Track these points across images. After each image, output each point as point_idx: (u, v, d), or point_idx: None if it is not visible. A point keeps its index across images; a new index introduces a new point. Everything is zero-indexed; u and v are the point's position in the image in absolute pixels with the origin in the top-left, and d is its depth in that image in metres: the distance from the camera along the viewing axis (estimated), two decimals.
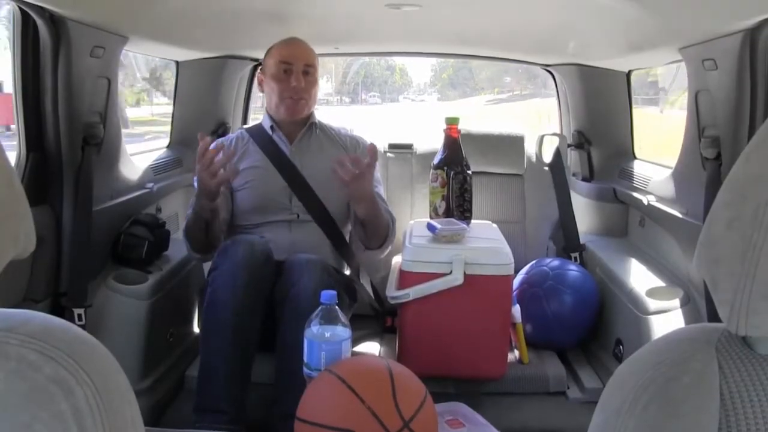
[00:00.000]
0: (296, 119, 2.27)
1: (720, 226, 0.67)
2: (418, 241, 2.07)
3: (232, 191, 2.25)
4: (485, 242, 2.10)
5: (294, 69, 2.22)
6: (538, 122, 12.74)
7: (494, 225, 2.38)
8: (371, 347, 2.32)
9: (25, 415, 0.55)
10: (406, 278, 2.02)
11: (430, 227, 2.10)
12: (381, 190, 2.34)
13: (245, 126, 2.45)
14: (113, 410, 0.59)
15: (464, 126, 2.56)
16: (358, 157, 2.00)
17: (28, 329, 0.59)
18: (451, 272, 1.97)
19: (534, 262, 2.45)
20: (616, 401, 0.69)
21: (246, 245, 1.94)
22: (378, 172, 2.35)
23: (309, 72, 2.24)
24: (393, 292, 2.03)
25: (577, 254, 2.60)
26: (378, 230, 2.20)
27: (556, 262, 2.40)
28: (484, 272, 1.99)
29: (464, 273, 1.96)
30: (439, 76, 27.60)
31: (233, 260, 1.90)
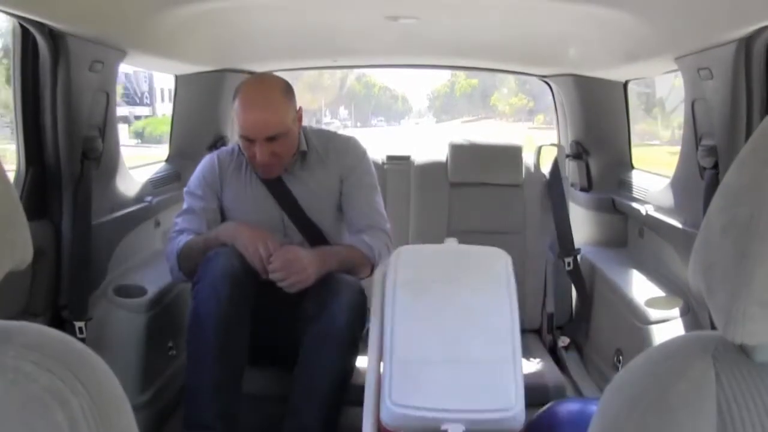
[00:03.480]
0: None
1: (714, 233, 0.67)
2: (401, 398, 1.61)
3: (222, 212, 2.15)
4: (489, 399, 1.63)
5: (257, 142, 1.97)
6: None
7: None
8: (364, 361, 2.29)
9: (21, 427, 0.55)
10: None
11: None
12: (378, 196, 2.20)
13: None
14: (109, 420, 0.59)
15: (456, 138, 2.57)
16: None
17: (24, 341, 0.59)
18: None
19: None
20: (613, 410, 0.69)
21: (227, 257, 1.88)
22: (371, 178, 2.21)
23: (276, 137, 1.98)
24: None
25: (570, 259, 2.59)
26: (355, 271, 2.07)
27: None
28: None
29: None
30: (433, 103, 34.40)
31: (215, 273, 1.85)
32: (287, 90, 2.04)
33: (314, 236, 2.12)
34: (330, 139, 2.21)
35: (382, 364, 1.70)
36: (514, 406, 1.60)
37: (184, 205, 2.14)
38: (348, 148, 2.19)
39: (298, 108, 2.07)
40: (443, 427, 1.55)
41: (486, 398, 1.61)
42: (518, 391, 1.61)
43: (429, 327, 1.70)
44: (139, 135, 11.65)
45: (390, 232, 2.17)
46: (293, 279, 1.87)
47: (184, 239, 2.04)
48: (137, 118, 12.90)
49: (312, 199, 2.12)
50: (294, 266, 1.88)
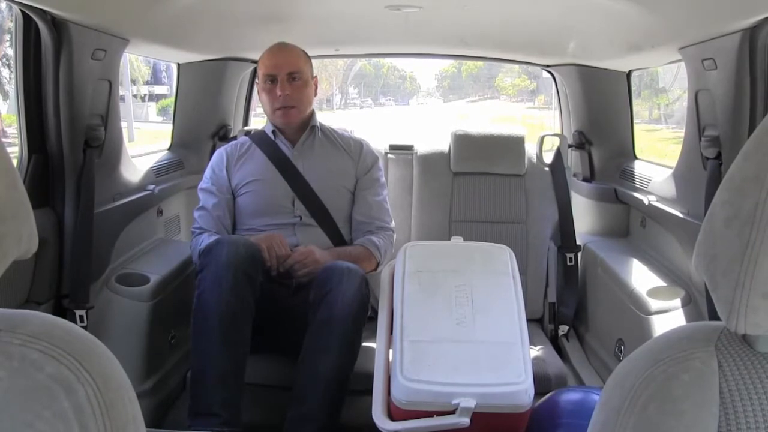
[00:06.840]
0: (293, 125, 2.27)
1: (718, 225, 0.67)
2: (413, 373, 1.64)
3: (234, 196, 2.26)
4: (498, 374, 1.65)
5: (279, 78, 2.20)
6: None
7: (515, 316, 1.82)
8: (369, 350, 2.30)
9: (27, 414, 0.55)
10: (398, 411, 1.65)
11: None
12: (386, 195, 2.33)
13: (247, 128, 2.45)
14: (114, 408, 0.59)
15: (463, 123, 2.56)
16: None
17: (30, 329, 0.60)
18: (455, 411, 1.59)
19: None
20: (615, 400, 0.69)
21: (230, 245, 1.91)
22: (382, 177, 2.36)
23: (296, 77, 2.21)
24: (385, 423, 1.65)
25: (572, 255, 2.60)
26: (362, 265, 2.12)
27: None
28: (495, 410, 1.61)
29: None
30: (441, 83, 36.57)
31: (218, 262, 1.88)
32: (306, 54, 2.29)
33: (318, 210, 2.22)
34: (344, 133, 2.40)
35: (391, 351, 1.75)
36: (525, 381, 1.63)
37: (200, 202, 2.27)
38: (363, 150, 2.35)
39: (314, 76, 2.31)
40: (455, 401, 1.57)
41: (496, 373, 1.64)
42: (527, 368, 1.65)
43: (438, 311, 1.76)
44: (164, 113, 12.76)
45: (394, 228, 2.32)
46: (306, 270, 2.03)
47: (204, 240, 2.14)
48: (158, 96, 14.08)
49: (320, 175, 2.25)
50: (308, 258, 2.05)
